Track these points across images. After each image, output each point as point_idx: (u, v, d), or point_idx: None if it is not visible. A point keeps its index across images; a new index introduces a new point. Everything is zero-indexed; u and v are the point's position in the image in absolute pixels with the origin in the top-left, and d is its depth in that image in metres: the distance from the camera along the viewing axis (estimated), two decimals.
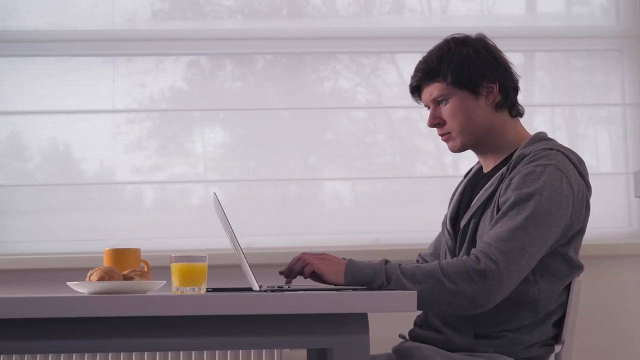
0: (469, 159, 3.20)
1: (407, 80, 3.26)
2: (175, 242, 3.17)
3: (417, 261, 2.53)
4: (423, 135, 3.30)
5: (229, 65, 3.31)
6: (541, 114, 3.33)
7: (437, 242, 2.50)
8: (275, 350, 2.95)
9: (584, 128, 3.35)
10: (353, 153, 3.29)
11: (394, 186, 3.28)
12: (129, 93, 3.26)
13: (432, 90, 2.28)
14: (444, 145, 3.23)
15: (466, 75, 2.23)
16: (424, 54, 2.33)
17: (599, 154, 3.32)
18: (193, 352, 2.98)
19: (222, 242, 3.06)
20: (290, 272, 2.13)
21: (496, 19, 3.37)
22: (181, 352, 2.99)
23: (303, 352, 2.92)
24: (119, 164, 3.23)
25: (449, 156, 3.30)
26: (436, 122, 2.30)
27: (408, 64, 3.29)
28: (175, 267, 1.91)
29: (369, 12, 3.33)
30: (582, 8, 3.39)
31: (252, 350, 2.94)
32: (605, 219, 3.23)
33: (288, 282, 2.15)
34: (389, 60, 3.34)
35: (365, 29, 3.31)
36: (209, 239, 3.15)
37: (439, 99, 2.28)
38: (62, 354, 2.96)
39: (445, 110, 2.27)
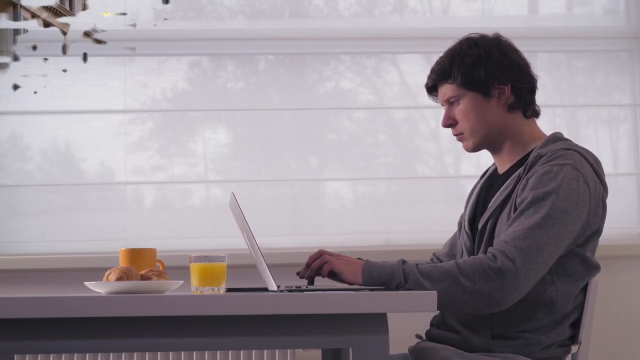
0: (470, 160, 3.22)
1: (409, 80, 3.31)
2: (176, 243, 3.16)
3: (432, 260, 2.52)
4: (424, 135, 3.30)
5: (231, 66, 3.30)
6: (543, 114, 3.32)
7: (452, 241, 2.50)
8: (289, 350, 2.94)
9: (590, 128, 3.35)
10: (354, 153, 3.28)
11: (395, 187, 3.27)
12: (131, 93, 3.24)
13: (445, 90, 2.30)
14: (445, 146, 3.28)
15: (476, 76, 2.24)
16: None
17: (608, 154, 3.32)
18: (206, 352, 2.97)
19: (224, 242, 3.07)
20: (308, 269, 2.12)
21: (498, 20, 3.36)
22: (194, 352, 2.98)
23: (316, 353, 2.91)
24: (121, 165, 3.21)
25: (450, 157, 3.30)
26: (449, 122, 2.31)
27: (409, 65, 3.32)
28: (194, 267, 1.90)
29: (371, 12, 3.33)
30: (589, 9, 3.38)
31: (265, 350, 2.93)
32: (615, 219, 3.22)
33: (307, 278, 2.14)
34: (390, 60, 3.33)
35: (366, 30, 3.31)
36: (211, 239, 3.14)
37: (452, 100, 2.29)
38: (78, 354, 2.93)
39: (458, 111, 2.29)
